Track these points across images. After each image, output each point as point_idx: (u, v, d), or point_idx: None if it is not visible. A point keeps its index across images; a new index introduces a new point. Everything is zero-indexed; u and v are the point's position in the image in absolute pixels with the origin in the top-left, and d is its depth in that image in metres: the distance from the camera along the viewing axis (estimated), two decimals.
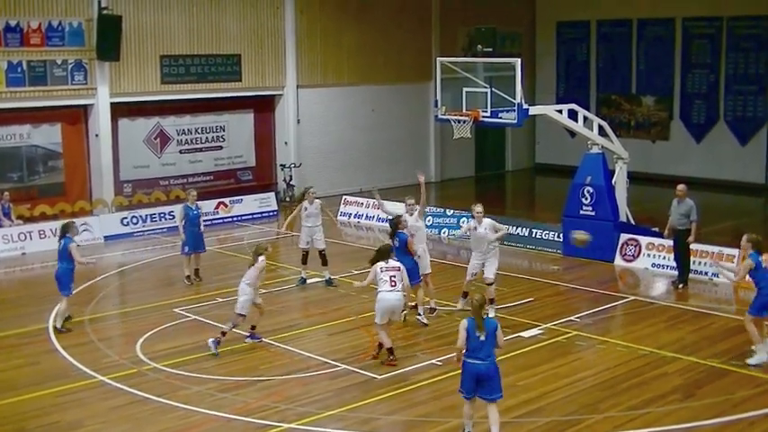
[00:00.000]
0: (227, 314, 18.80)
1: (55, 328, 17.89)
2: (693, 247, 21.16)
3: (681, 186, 21.14)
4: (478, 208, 18.28)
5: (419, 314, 18.19)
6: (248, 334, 17.21)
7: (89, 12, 27.65)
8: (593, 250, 23.28)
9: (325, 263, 21.38)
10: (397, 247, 17.46)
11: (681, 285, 21.09)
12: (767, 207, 33.37)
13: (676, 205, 20.97)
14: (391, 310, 15.69)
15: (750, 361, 15.69)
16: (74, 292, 18.33)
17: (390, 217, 18.82)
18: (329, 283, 21.23)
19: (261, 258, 16.83)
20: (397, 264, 15.91)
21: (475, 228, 18.32)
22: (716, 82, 35.97)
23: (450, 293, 19.60)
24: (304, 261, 21.46)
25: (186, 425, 13.55)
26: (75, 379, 15.38)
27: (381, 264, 15.71)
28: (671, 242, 21.59)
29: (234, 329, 16.83)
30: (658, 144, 37.70)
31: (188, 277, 21.64)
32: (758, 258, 15.67)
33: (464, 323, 12.29)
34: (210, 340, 16.53)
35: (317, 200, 21.42)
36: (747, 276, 15.96)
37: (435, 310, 18.74)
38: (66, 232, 18.09)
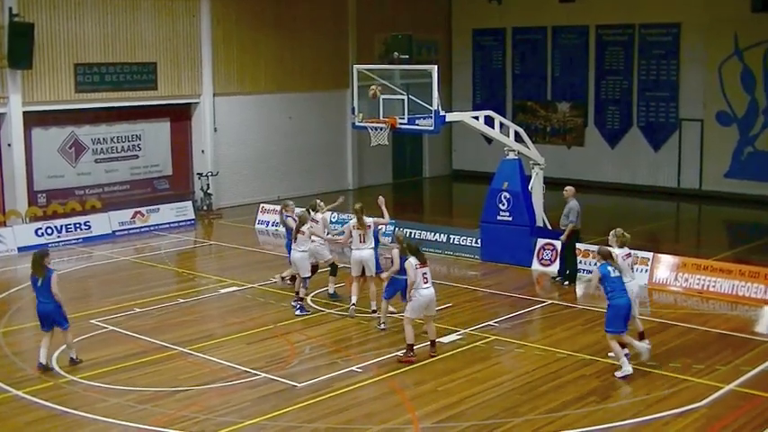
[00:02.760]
0: (145, 324, 18.68)
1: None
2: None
3: (567, 187, 21.68)
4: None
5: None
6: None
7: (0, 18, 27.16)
8: (511, 255, 23.54)
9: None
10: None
11: (565, 282, 21.77)
12: (680, 211, 33.93)
13: None
14: (426, 305, 16.29)
15: (617, 373, 15.45)
16: None
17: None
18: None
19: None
20: (425, 261, 16.39)
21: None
22: (629, 88, 36.51)
23: (369, 300, 19.62)
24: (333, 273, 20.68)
25: None
26: None
27: (414, 261, 16.11)
28: (586, 246, 21.98)
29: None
30: (574, 150, 38.14)
31: (283, 278, 21.37)
32: (606, 269, 15.43)
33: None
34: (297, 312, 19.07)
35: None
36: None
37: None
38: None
